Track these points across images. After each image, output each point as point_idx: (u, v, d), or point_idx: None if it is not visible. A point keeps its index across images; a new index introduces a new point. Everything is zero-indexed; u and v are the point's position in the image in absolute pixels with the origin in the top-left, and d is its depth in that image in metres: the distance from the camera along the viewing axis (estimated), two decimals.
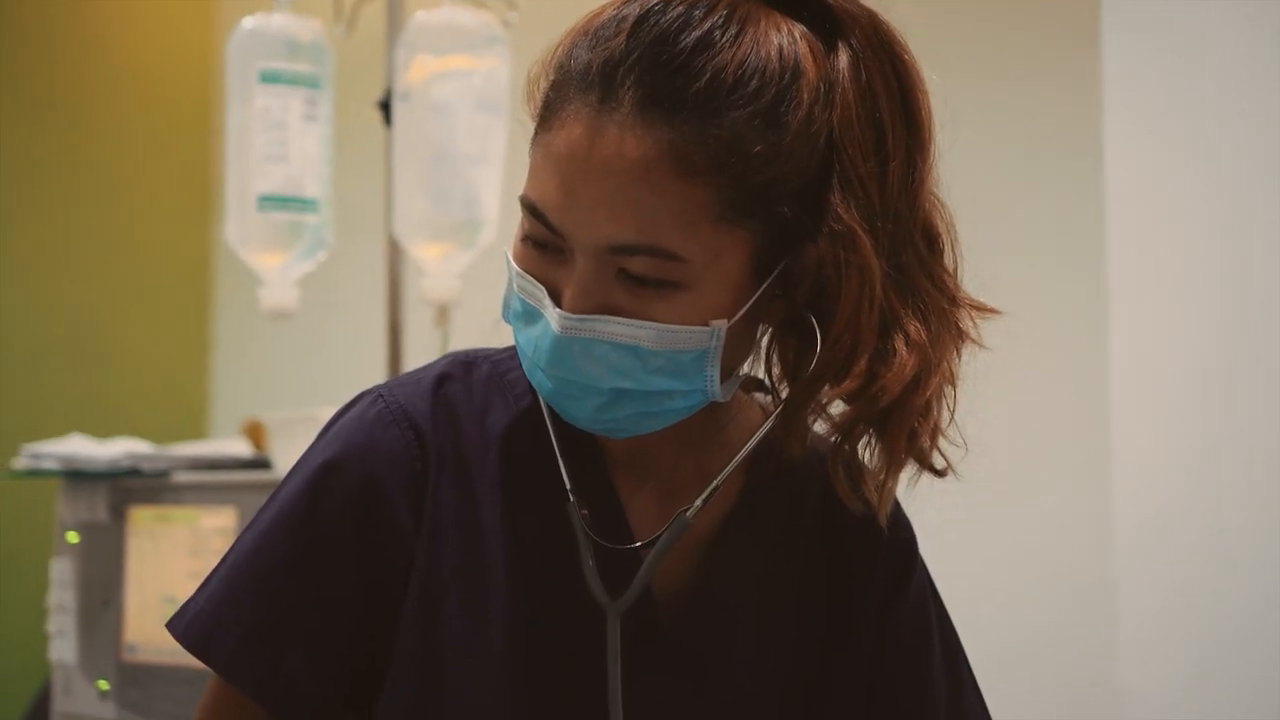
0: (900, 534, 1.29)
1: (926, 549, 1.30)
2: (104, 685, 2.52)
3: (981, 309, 1.16)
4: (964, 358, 1.16)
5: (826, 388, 1.12)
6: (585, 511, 1.18)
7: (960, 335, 1.15)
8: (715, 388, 1.13)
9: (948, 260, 1.15)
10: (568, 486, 1.18)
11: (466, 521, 1.19)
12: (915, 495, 1.19)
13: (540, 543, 1.19)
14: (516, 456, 1.21)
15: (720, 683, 1.22)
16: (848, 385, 1.10)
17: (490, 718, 1.18)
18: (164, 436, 3.11)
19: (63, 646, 2.57)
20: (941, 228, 1.15)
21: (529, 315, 1.14)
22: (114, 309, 4.13)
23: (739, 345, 1.15)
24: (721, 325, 1.11)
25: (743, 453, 1.18)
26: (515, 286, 1.15)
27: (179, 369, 4.25)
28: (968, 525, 2.53)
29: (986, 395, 1.17)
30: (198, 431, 4.13)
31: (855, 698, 1.26)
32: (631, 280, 1.10)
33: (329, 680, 1.18)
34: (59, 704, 2.58)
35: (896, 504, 1.26)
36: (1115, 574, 2.21)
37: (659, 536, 1.16)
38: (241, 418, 3.53)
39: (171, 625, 1.21)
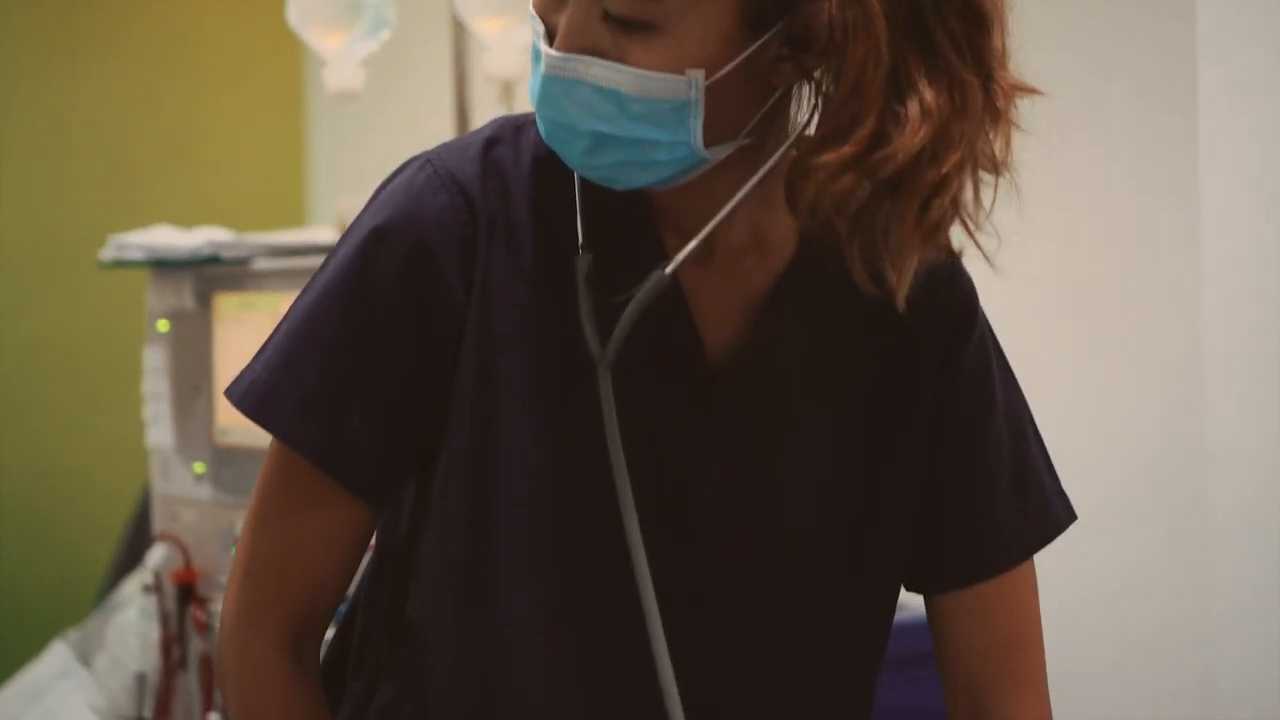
0: (959, 293, 1.26)
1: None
2: (199, 468, 2.58)
3: (1024, 89, 1.12)
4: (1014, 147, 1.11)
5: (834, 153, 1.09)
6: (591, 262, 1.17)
7: (997, 116, 1.10)
8: (697, 141, 1.11)
9: (995, 40, 1.10)
10: (580, 240, 1.18)
11: (516, 283, 1.19)
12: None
13: (568, 299, 1.19)
14: (560, 216, 1.20)
15: (774, 442, 1.22)
16: (849, 150, 1.07)
17: (535, 471, 1.19)
18: (262, 228, 3.13)
19: (159, 432, 2.63)
20: (989, 6, 1.10)
21: (535, 56, 1.14)
22: (208, 100, 4.16)
23: (735, 103, 1.13)
24: (698, 75, 1.09)
25: (729, 206, 1.15)
26: (532, 29, 1.15)
27: (275, 160, 4.28)
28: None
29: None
30: (297, 222, 4.17)
31: (915, 462, 1.25)
32: (614, 22, 1.09)
33: (388, 443, 1.20)
34: (158, 487, 2.65)
35: (958, 264, 1.23)
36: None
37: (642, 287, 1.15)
38: (337, 208, 3.56)
39: (229, 392, 1.23)
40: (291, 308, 1.22)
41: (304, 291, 1.22)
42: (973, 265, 1.20)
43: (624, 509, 1.16)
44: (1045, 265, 2.60)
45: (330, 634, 1.30)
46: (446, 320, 1.18)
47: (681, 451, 1.20)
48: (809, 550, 1.24)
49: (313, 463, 1.19)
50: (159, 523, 2.65)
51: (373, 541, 1.29)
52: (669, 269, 1.15)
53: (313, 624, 1.26)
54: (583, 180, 1.19)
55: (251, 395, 1.20)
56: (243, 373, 1.22)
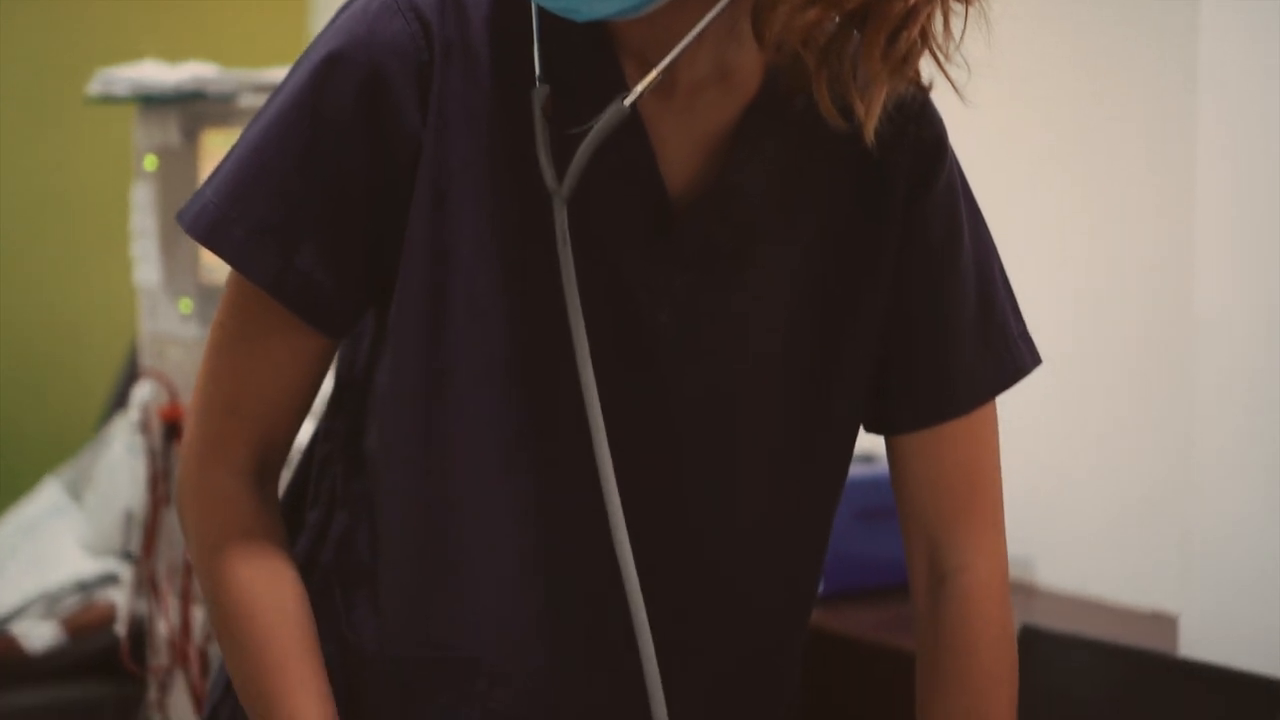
0: (927, 129, 1.24)
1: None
2: (186, 306, 2.58)
3: None
4: None
5: None
6: (550, 95, 1.15)
7: None
8: None
9: None
10: (537, 72, 1.15)
11: (475, 113, 1.17)
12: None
13: (525, 130, 1.17)
14: (518, 47, 1.18)
15: (734, 279, 1.21)
16: None
17: (491, 304, 1.18)
18: (266, 64, 3.09)
19: (146, 270, 2.62)
20: None
21: None
22: None
23: None
24: None
25: (691, 35, 1.12)
26: None
27: None
28: None
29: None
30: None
31: (878, 301, 1.24)
32: None
33: (342, 273, 1.19)
34: (145, 325, 2.65)
35: (927, 100, 1.21)
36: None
37: (601, 119, 1.13)
38: None
39: (180, 217, 1.21)
40: (244, 133, 1.20)
41: (257, 117, 1.20)
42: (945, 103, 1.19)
43: (577, 344, 1.15)
44: (1022, 105, 2.57)
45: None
46: (401, 148, 1.17)
47: (638, 287, 1.19)
48: (767, 388, 1.23)
49: (265, 290, 1.18)
50: (146, 360, 2.65)
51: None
52: (628, 100, 1.13)
53: (271, 454, 1.26)
54: (542, 10, 1.16)
55: (202, 220, 1.19)
56: (194, 197, 1.21)
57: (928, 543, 1.29)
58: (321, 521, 1.28)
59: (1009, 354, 1.28)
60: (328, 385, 1.32)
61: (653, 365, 1.20)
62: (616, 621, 1.19)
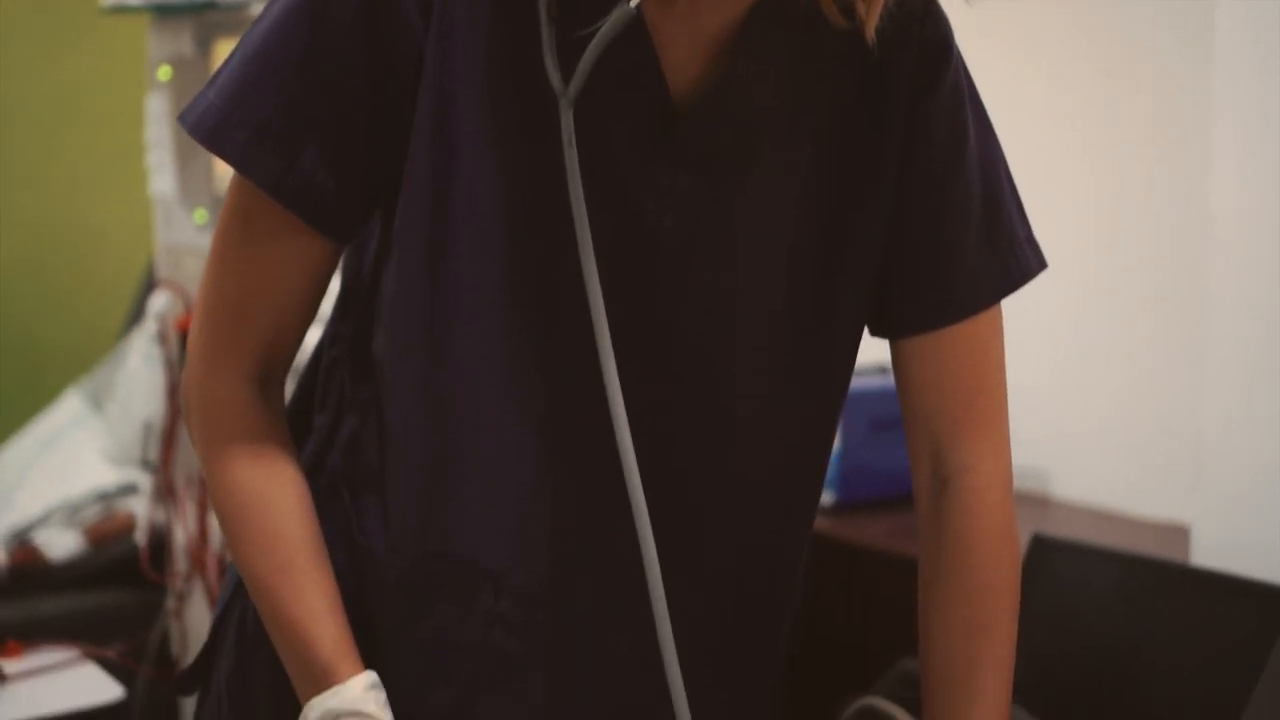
0: (931, 30, 1.23)
1: None
2: (200, 217, 2.58)
3: None
4: None
5: None
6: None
7: None
8: None
9: None
10: None
11: (478, 16, 1.16)
12: None
13: (530, 33, 1.16)
14: None
15: (737, 181, 1.20)
16: None
17: (495, 208, 1.18)
18: None
19: (161, 181, 2.62)
20: None
21: None
22: None
23: None
24: None
25: None
26: None
27: None
28: None
29: None
30: None
31: (883, 203, 1.24)
32: None
33: (345, 177, 1.18)
34: (162, 235, 2.65)
35: (933, 2, 1.21)
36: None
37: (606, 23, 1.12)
38: None
39: (182, 119, 1.21)
40: (246, 36, 1.20)
41: (259, 20, 1.20)
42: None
43: (582, 246, 1.14)
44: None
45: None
46: (403, 51, 1.16)
47: (641, 190, 1.18)
48: (770, 291, 1.23)
49: (268, 193, 1.18)
50: (162, 270, 2.66)
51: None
52: (634, 1, 1.12)
53: (276, 360, 1.26)
54: None
55: (205, 123, 1.18)
56: (196, 99, 1.20)
57: (931, 446, 1.29)
58: (329, 426, 1.29)
59: (1014, 258, 1.27)
60: (335, 290, 1.32)
61: (656, 268, 1.20)
62: (620, 527, 1.19)
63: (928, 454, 1.29)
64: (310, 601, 1.21)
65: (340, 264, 1.29)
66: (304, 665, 1.21)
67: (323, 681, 1.20)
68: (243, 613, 1.33)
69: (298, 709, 1.22)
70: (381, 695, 1.20)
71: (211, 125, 1.18)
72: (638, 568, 1.17)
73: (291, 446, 1.26)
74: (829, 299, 1.24)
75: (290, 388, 1.33)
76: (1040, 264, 1.29)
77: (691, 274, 1.21)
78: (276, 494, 1.23)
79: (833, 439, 1.32)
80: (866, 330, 1.30)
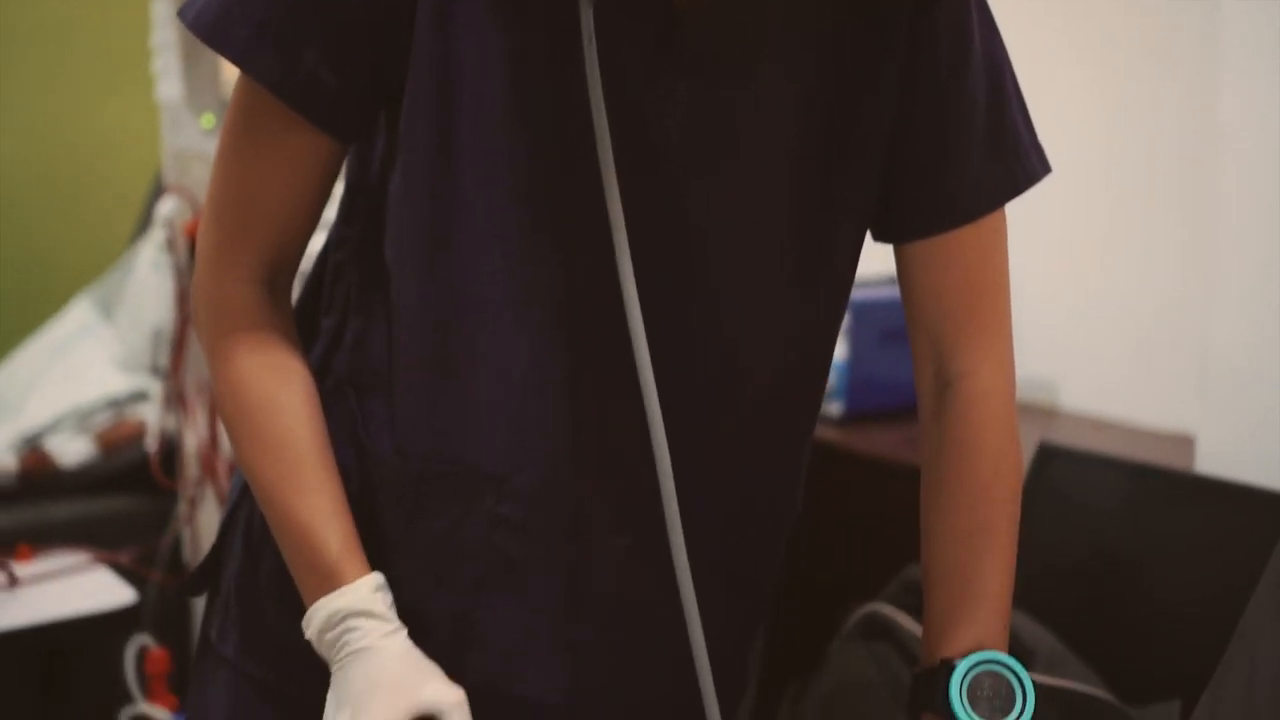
0: None
1: None
2: (207, 122, 2.57)
3: None
4: None
5: None
6: None
7: None
8: None
9: None
10: None
11: None
12: None
13: None
14: None
15: (741, 86, 1.19)
16: None
17: (500, 108, 1.17)
18: None
19: (168, 85, 2.61)
20: None
21: None
22: None
23: None
24: None
25: None
26: None
27: None
28: None
29: None
30: None
31: (886, 107, 1.23)
32: None
33: (349, 75, 1.18)
34: (169, 140, 2.65)
35: None
36: None
37: None
38: None
39: (182, 14, 1.20)
40: None
41: None
42: None
43: (600, 142, 1.13)
44: None
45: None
46: None
47: (644, 93, 1.17)
48: (773, 196, 1.22)
49: (270, 90, 1.17)
50: (170, 176, 2.65)
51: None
52: None
53: (282, 263, 1.26)
54: None
55: (205, 17, 1.18)
56: None
57: (934, 351, 1.29)
58: (336, 328, 1.29)
59: (1019, 162, 1.27)
60: (340, 194, 1.32)
61: (660, 171, 1.20)
62: (627, 430, 1.20)
63: (930, 360, 1.29)
64: (316, 503, 1.22)
65: (346, 166, 1.29)
66: (310, 567, 1.22)
67: (329, 583, 1.21)
68: (250, 514, 1.34)
69: (304, 610, 1.23)
70: (388, 597, 1.21)
71: (211, 20, 1.17)
72: (644, 470, 1.17)
73: (299, 347, 1.27)
74: (832, 202, 1.24)
75: (297, 292, 1.33)
76: (1045, 168, 1.29)
77: (696, 177, 1.20)
78: (284, 395, 1.23)
79: (835, 342, 1.32)
80: (874, 239, 1.30)
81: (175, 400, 2.58)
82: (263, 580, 1.31)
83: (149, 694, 2.45)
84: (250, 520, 1.33)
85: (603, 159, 1.14)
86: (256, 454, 1.23)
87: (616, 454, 1.22)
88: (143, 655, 2.45)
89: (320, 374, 1.28)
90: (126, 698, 2.44)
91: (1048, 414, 2.59)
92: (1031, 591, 1.89)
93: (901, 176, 1.26)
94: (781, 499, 1.33)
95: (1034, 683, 1.21)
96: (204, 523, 2.57)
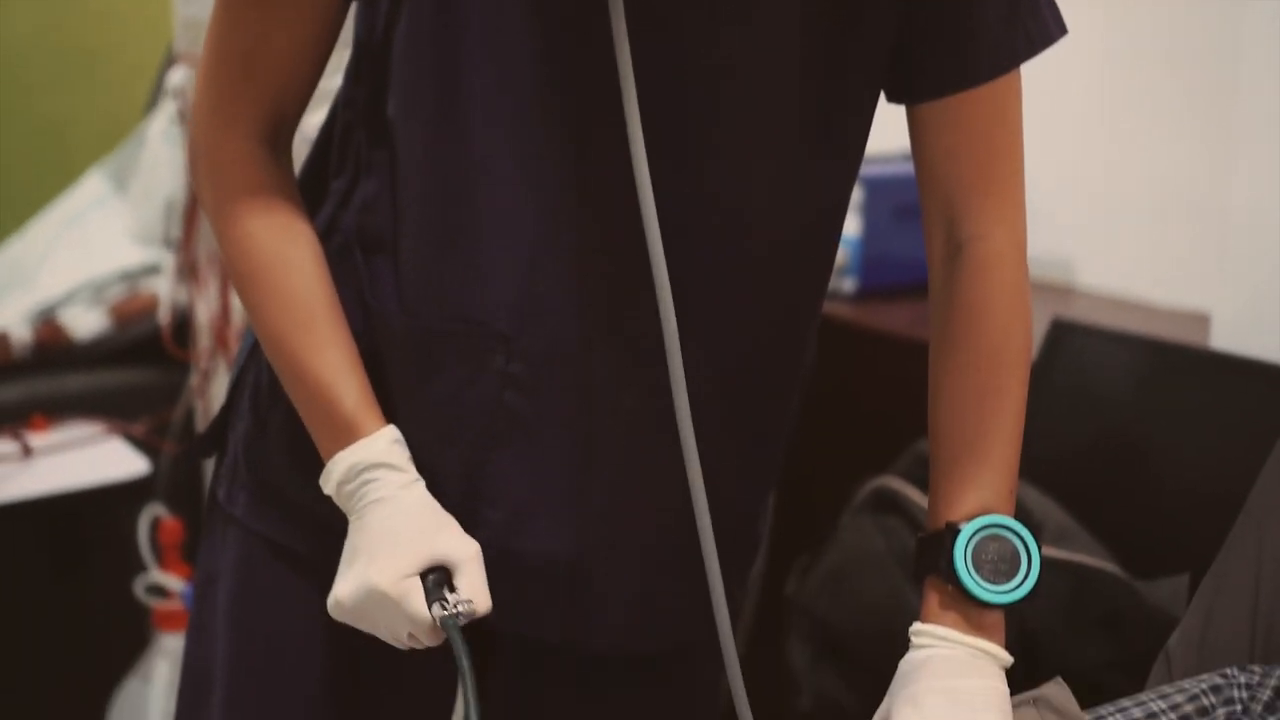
0: None
1: None
2: None
3: None
4: None
5: None
6: None
7: None
8: None
9: None
10: None
11: None
12: None
13: None
14: None
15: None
16: None
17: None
18: None
19: None
20: None
21: None
22: None
23: None
24: None
25: None
26: None
27: None
28: None
29: None
30: None
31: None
32: None
33: None
34: (180, 9, 2.61)
35: None
36: None
37: None
38: None
39: None
40: None
41: None
42: None
43: (611, 2, 1.12)
44: None
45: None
46: None
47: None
48: (784, 60, 1.20)
49: None
50: (180, 45, 2.62)
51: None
52: None
53: (282, 121, 1.25)
54: None
55: None
56: None
57: (945, 214, 1.27)
58: (345, 189, 1.28)
59: (1035, 23, 1.24)
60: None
61: (671, 30, 1.18)
62: (636, 291, 1.19)
63: (941, 223, 1.27)
64: (330, 358, 1.22)
65: (354, 24, 1.27)
66: (326, 422, 1.22)
67: (346, 436, 1.21)
68: (257, 376, 1.34)
69: (315, 468, 1.23)
70: (405, 450, 1.22)
71: None
72: (653, 331, 1.17)
73: (303, 207, 1.26)
74: (844, 61, 1.22)
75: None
76: (1060, 29, 1.26)
77: (706, 36, 1.18)
78: (293, 252, 1.23)
79: (846, 205, 1.30)
80: (888, 100, 1.28)
81: (187, 272, 2.58)
82: (271, 441, 1.31)
83: (163, 563, 2.47)
84: (258, 382, 1.33)
85: (614, 15, 1.12)
86: (268, 312, 1.23)
87: (625, 315, 1.21)
88: (156, 525, 2.47)
89: (327, 234, 1.27)
90: (141, 567, 2.46)
91: (1063, 293, 2.58)
92: (1042, 467, 1.89)
93: (916, 35, 1.23)
94: (789, 362, 1.32)
95: (1041, 553, 1.21)
96: (216, 394, 2.57)
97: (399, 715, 1.35)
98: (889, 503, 1.99)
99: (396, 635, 1.18)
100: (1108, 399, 1.94)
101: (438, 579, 1.17)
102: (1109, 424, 1.93)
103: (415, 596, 1.16)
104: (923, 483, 1.87)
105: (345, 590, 1.18)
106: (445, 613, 1.15)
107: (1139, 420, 1.89)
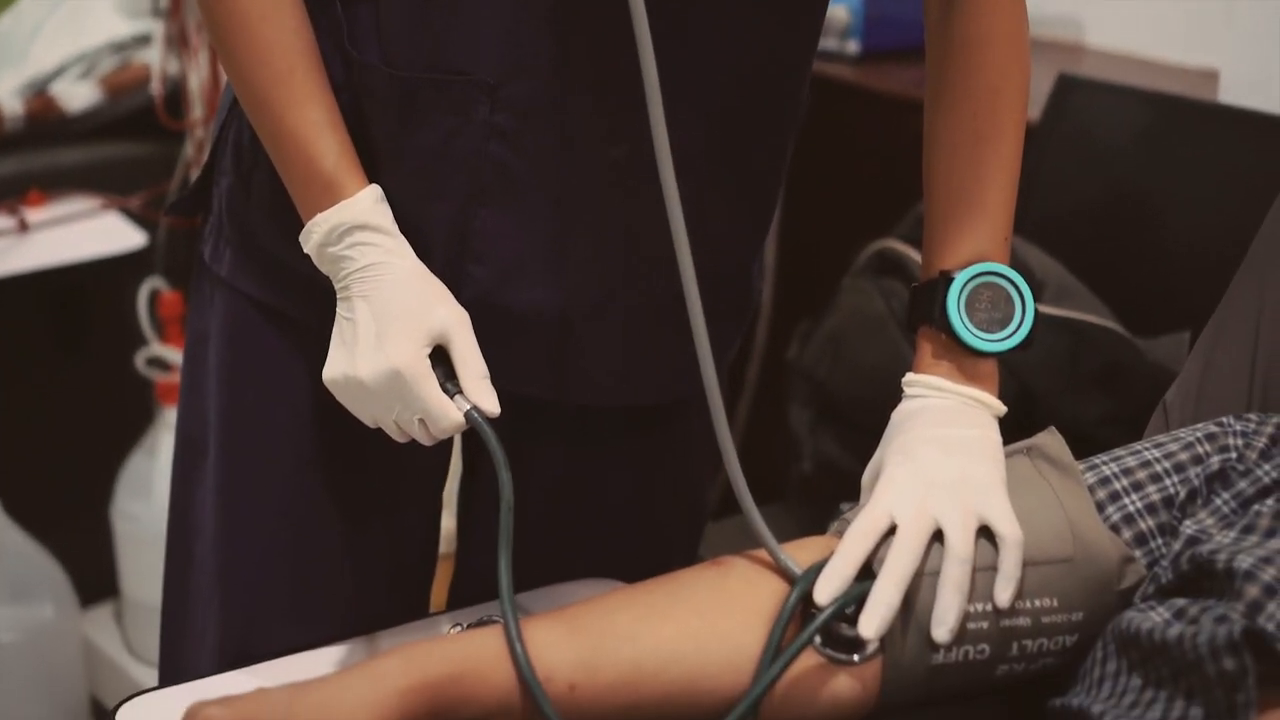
0: None
1: None
2: None
3: None
4: None
5: None
6: None
7: None
8: None
9: None
10: None
11: None
12: None
13: None
14: None
15: None
16: None
17: None
18: None
19: None
20: None
21: None
22: None
23: None
24: None
25: None
26: None
27: None
28: None
29: None
30: None
31: None
32: None
33: None
34: None
35: None
36: None
37: None
38: None
39: None
40: None
41: None
42: None
43: None
44: None
45: None
46: None
47: None
48: None
49: None
50: None
51: None
52: None
53: None
54: None
55: None
56: None
57: None
58: None
59: None
60: None
61: None
62: (620, 43, 1.15)
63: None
64: (310, 114, 1.19)
65: None
66: (307, 180, 1.19)
67: (327, 196, 1.19)
68: (238, 132, 1.31)
69: (299, 227, 1.21)
70: (389, 210, 1.19)
71: None
72: (637, 82, 1.13)
73: None
74: None
75: None
76: None
77: None
78: (270, 5, 1.19)
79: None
80: None
81: (177, 41, 2.53)
82: (254, 198, 1.29)
83: (163, 336, 2.46)
84: (240, 137, 1.30)
85: None
86: (248, 64, 1.20)
87: (611, 69, 1.18)
88: (155, 298, 2.46)
89: None
90: (141, 340, 2.46)
91: (1072, 50, 2.52)
92: (1044, 226, 1.86)
93: None
94: (779, 110, 1.29)
95: (1035, 301, 1.19)
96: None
97: (392, 475, 1.35)
98: (890, 265, 1.97)
99: (405, 420, 1.17)
100: (1113, 155, 1.90)
101: (446, 370, 1.16)
102: (1114, 181, 1.89)
103: (429, 383, 1.15)
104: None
105: (362, 369, 1.16)
106: (468, 406, 1.15)
107: (1144, 176, 1.86)
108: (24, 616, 2.38)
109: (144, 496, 2.43)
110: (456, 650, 1.05)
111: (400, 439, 1.20)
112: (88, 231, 2.48)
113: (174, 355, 2.43)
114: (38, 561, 2.41)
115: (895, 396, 1.23)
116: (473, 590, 1.45)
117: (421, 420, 1.16)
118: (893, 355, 1.88)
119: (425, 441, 1.18)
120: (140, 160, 2.64)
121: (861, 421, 1.93)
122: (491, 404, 1.16)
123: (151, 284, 2.47)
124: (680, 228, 1.07)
